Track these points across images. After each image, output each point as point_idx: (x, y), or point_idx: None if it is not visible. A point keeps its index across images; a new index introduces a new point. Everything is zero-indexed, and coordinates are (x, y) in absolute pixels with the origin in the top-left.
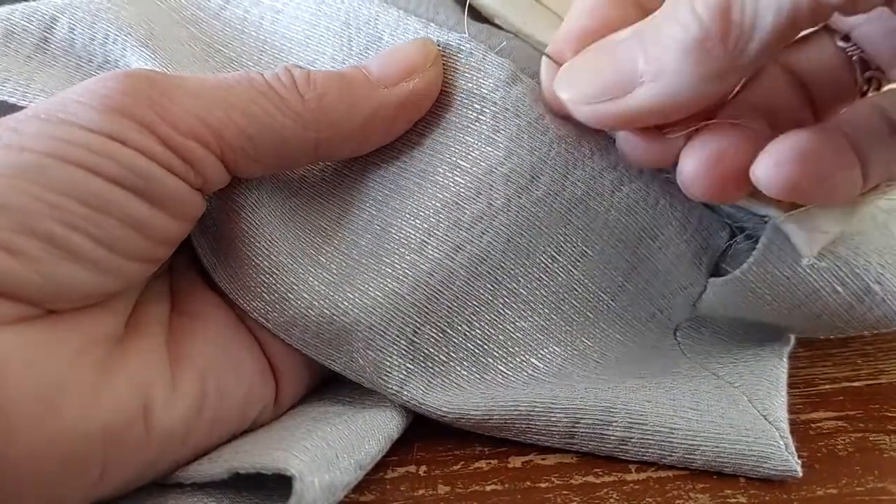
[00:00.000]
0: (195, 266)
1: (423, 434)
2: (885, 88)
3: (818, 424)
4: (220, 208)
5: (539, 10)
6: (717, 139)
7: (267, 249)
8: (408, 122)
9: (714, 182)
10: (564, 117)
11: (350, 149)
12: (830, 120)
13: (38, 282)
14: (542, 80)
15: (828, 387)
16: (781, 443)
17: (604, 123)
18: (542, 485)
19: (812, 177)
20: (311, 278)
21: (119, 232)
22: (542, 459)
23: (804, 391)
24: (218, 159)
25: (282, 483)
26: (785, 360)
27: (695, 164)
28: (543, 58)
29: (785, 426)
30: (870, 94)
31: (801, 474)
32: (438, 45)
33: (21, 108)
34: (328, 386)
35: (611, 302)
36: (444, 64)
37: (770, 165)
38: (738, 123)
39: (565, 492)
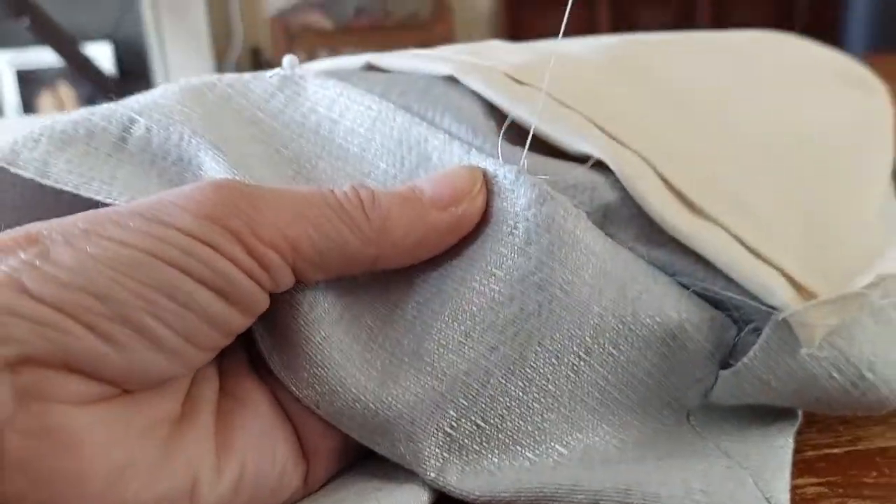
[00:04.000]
0: (241, 349)
1: None
2: None
3: (802, 490)
4: (280, 302)
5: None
6: None
7: (320, 344)
8: (455, 240)
9: None
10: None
11: (403, 262)
12: None
13: (124, 367)
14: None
15: (811, 453)
16: None
17: None
18: None
19: None
20: (358, 373)
21: (198, 326)
22: None
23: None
24: (289, 267)
25: None
26: (791, 439)
27: None
28: None
29: None
30: None
31: None
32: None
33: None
34: (362, 462)
35: (630, 393)
36: None
37: None
38: None
39: None
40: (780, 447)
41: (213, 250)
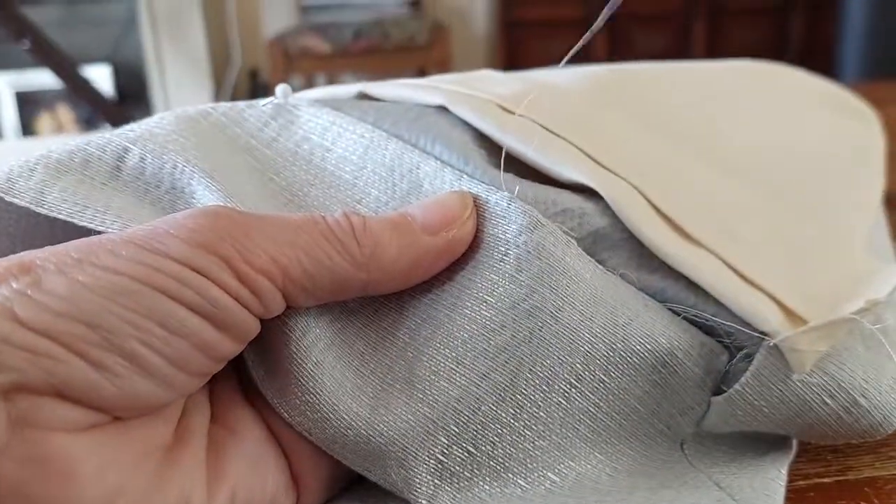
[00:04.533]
0: (233, 375)
1: None
2: None
3: None
4: (271, 328)
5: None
6: None
7: (312, 371)
8: (445, 265)
9: None
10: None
11: (394, 287)
12: None
13: (115, 394)
14: None
15: (801, 482)
16: None
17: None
18: None
19: None
20: (350, 400)
21: (189, 353)
22: None
23: None
24: (280, 292)
25: None
26: (784, 471)
27: None
28: None
29: None
30: None
31: None
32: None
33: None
34: (353, 489)
35: (623, 421)
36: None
37: None
38: None
39: None
40: (772, 479)
41: (205, 278)
